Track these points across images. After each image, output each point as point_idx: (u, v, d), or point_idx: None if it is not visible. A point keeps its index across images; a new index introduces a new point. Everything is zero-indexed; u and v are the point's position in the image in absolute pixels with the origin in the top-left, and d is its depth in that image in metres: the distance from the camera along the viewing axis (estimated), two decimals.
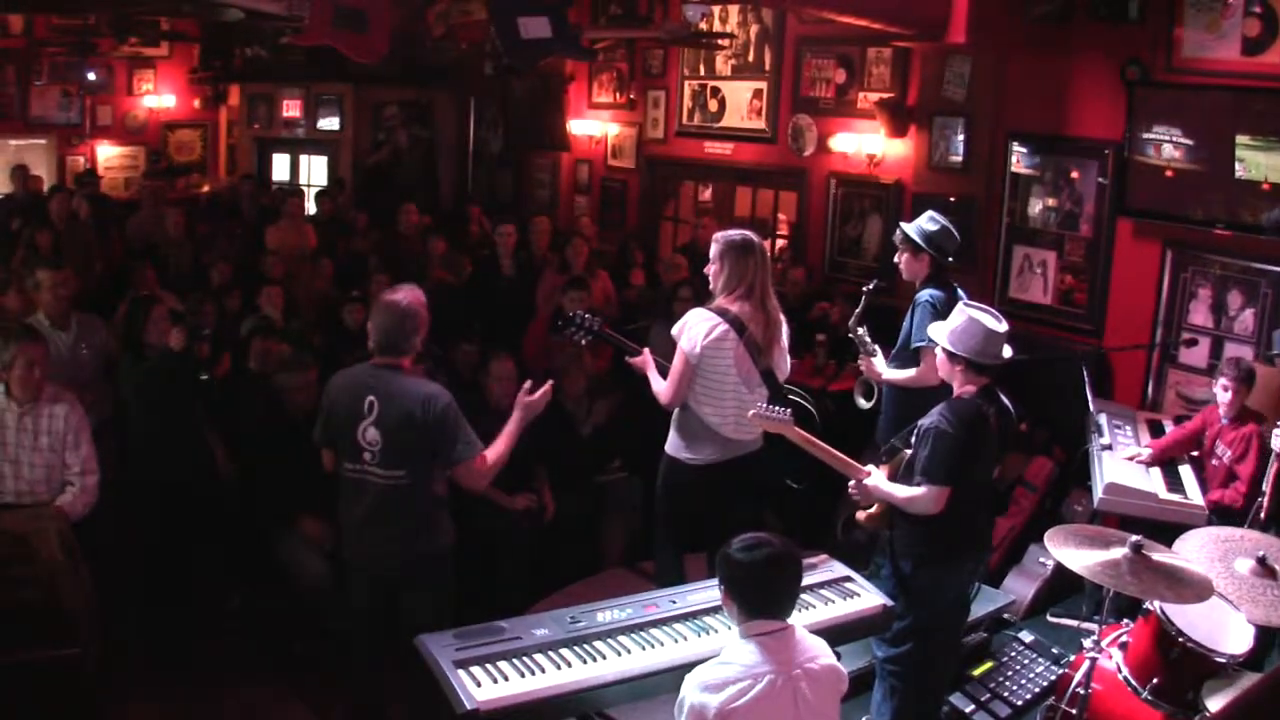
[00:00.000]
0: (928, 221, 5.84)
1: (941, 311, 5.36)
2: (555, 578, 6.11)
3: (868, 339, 5.94)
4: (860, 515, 4.87)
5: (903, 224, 5.94)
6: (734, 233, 5.31)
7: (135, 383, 6.34)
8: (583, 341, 5.93)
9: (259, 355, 7.00)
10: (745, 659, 3.34)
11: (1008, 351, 4.61)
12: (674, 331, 5.25)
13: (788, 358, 5.46)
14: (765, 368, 5.26)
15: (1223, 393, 6.16)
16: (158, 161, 15.02)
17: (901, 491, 4.60)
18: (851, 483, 4.76)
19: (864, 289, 6.14)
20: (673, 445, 5.40)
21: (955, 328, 4.59)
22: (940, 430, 4.46)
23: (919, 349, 5.61)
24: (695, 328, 5.16)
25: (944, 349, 4.61)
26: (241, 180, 13.13)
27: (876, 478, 4.70)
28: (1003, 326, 4.56)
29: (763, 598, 3.43)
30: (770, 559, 3.40)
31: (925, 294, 5.73)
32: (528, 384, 4.89)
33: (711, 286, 5.31)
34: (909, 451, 4.65)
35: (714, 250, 5.27)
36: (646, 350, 5.56)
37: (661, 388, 5.32)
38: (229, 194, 12.89)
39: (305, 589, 5.83)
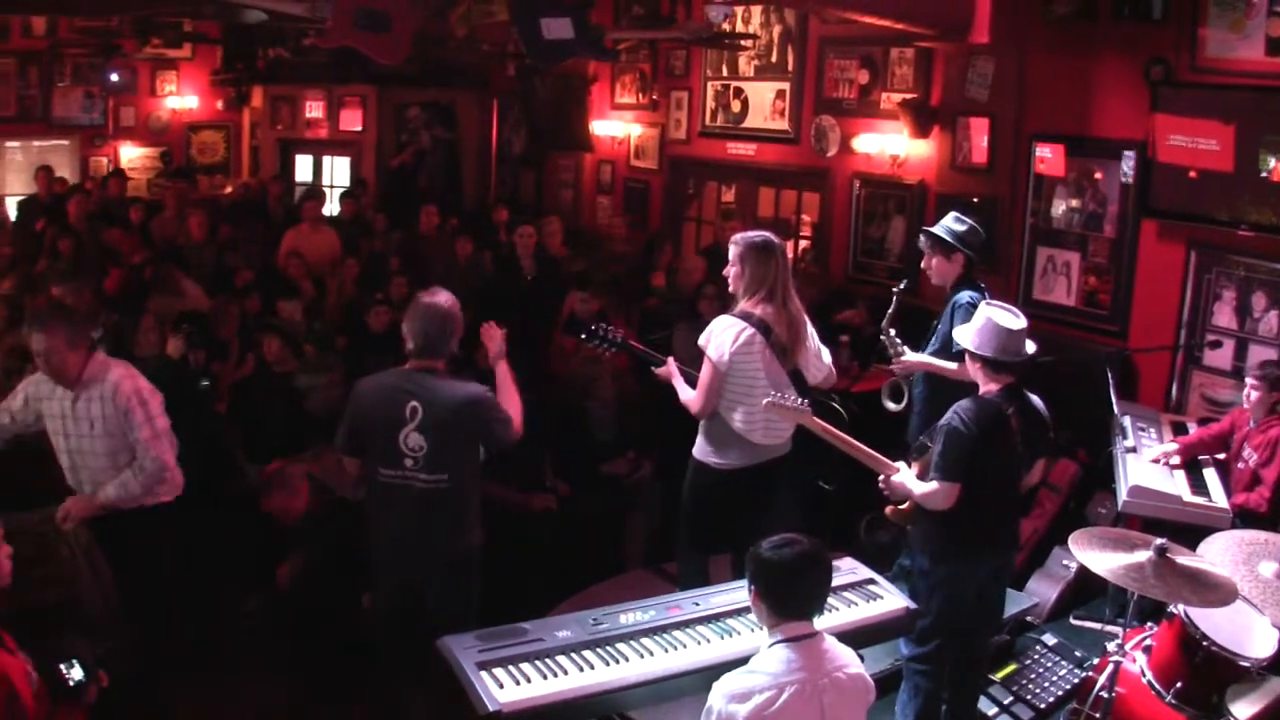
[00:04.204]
0: (955, 222, 5.82)
1: None
2: (578, 579, 6.10)
3: (898, 341, 5.91)
4: (889, 510, 4.93)
5: (928, 228, 5.92)
6: (754, 234, 5.28)
7: None
8: (605, 354, 5.91)
9: (271, 352, 6.99)
10: (772, 668, 3.36)
11: (1031, 347, 4.61)
12: (700, 341, 5.22)
13: (821, 360, 5.40)
14: (792, 369, 5.25)
15: (1250, 396, 6.11)
16: (170, 163, 15.06)
17: (919, 487, 4.66)
18: (880, 478, 4.79)
19: (895, 289, 6.09)
20: (700, 450, 5.40)
21: (976, 328, 4.63)
22: (952, 428, 4.53)
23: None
24: (722, 335, 5.13)
25: (966, 350, 4.65)
26: (271, 180, 13.19)
27: (905, 474, 4.75)
28: (1021, 323, 4.58)
29: (792, 597, 3.46)
30: (800, 557, 3.44)
31: (964, 295, 5.69)
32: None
33: (732, 289, 5.30)
34: None
35: (734, 252, 5.24)
36: (671, 360, 5.54)
37: (690, 397, 5.30)
38: (258, 193, 12.94)
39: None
